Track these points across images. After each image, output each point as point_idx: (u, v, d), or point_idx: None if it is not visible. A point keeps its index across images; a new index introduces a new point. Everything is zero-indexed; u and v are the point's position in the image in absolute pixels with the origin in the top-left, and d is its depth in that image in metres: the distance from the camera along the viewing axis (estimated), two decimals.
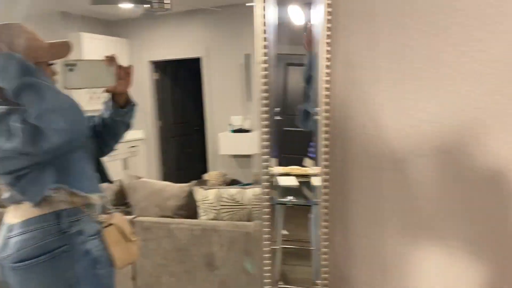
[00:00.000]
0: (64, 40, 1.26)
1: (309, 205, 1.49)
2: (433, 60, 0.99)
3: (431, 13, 0.98)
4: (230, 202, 2.43)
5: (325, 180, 1.02)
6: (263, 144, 1.01)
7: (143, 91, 5.40)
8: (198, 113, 6.05)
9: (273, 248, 1.15)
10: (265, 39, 0.95)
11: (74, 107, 1.15)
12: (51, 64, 1.27)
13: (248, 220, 2.42)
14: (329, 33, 0.96)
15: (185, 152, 6.10)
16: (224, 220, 2.39)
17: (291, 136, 1.34)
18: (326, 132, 0.99)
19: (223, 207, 2.44)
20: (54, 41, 1.25)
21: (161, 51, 5.35)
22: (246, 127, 5.08)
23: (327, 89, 0.97)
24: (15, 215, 1.28)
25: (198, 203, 2.48)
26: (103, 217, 1.38)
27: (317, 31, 0.97)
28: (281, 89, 1.34)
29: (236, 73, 5.11)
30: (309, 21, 1.22)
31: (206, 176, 4.90)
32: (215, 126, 5.31)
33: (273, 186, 1.53)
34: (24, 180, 1.23)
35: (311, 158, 1.55)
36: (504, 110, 0.98)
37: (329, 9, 0.95)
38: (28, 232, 1.24)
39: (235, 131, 5.04)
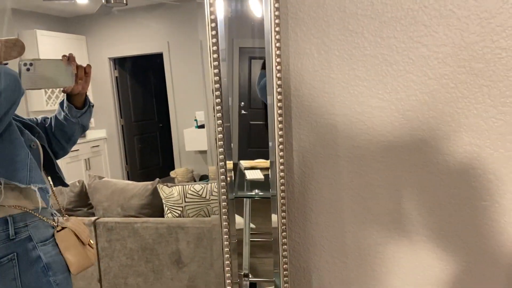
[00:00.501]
0: (15, 37, 1.21)
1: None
2: (383, 46, 0.99)
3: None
4: (195, 198, 2.42)
5: (281, 171, 1.01)
6: (218, 137, 0.99)
7: (103, 89, 5.27)
8: (162, 110, 5.96)
9: (235, 242, 1.14)
10: (212, 29, 0.93)
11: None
12: (5, 64, 1.21)
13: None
14: (277, 21, 0.94)
15: (150, 150, 6.01)
16: (190, 217, 2.37)
17: (258, 129, 1.33)
18: (280, 122, 0.97)
19: (188, 203, 2.41)
20: (5, 38, 1.19)
21: (121, 48, 5.23)
22: None
23: (278, 78, 0.96)
24: None
25: (163, 201, 2.45)
26: (56, 221, 1.32)
27: (266, 19, 0.96)
28: (246, 83, 1.33)
29: (199, 68, 5.06)
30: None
31: (173, 174, 4.85)
32: (180, 122, 5.24)
33: (240, 180, 1.52)
34: None
35: None
36: (452, 93, 0.99)
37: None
38: None
39: (200, 126, 4.99)
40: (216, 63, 0.97)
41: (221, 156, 1.04)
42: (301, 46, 1.03)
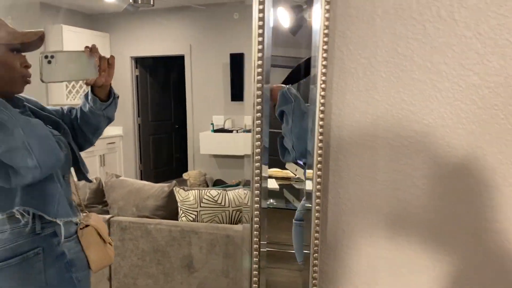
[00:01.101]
0: (38, 30, 1.20)
1: (290, 209, 1.47)
2: (432, 71, 0.98)
3: (431, 24, 0.97)
4: (211, 204, 2.41)
5: (317, 190, 0.99)
6: (256, 145, 0.98)
7: (123, 87, 5.30)
8: (179, 112, 5.98)
9: (265, 251, 1.12)
10: (260, 40, 0.93)
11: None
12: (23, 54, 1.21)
13: (229, 223, 2.39)
14: (326, 39, 0.93)
15: (164, 150, 6.03)
16: (204, 222, 2.36)
17: (273, 137, 1.32)
18: (320, 141, 0.96)
19: (203, 208, 2.41)
20: (27, 30, 1.19)
21: (143, 47, 5.26)
22: (227, 127, 5.05)
23: (322, 96, 0.95)
24: None
25: (178, 204, 2.44)
26: (79, 218, 1.33)
27: (315, 36, 0.95)
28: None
29: (220, 72, 5.07)
30: (301, 24, 1.20)
31: (185, 175, 4.85)
32: (196, 125, 5.26)
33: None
34: None
35: (293, 162, 1.54)
36: (502, 125, 0.98)
37: (327, 15, 0.92)
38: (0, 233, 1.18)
39: (216, 130, 5.00)
40: (260, 70, 0.96)
41: (257, 164, 1.03)
42: (346, 65, 1.02)
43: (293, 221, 1.44)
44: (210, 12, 4.84)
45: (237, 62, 4.87)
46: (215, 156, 5.16)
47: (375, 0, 0.98)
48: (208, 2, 4.72)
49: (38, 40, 1.21)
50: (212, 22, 4.95)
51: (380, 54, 0.99)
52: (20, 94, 1.27)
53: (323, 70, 0.94)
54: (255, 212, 1.08)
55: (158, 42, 5.19)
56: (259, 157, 1.01)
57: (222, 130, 4.98)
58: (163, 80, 5.98)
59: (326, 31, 0.93)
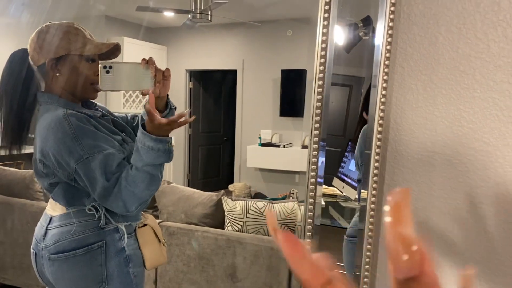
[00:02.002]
0: (111, 42, 1.30)
1: (335, 226, 1.47)
2: (494, 90, 0.97)
3: (496, 44, 0.97)
4: (257, 215, 2.43)
5: (372, 203, 1.00)
6: (312, 163, 1.00)
7: (178, 98, 5.49)
8: (228, 124, 6.10)
9: None
10: (323, 55, 0.96)
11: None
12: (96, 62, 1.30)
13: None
14: (388, 55, 0.95)
15: (212, 161, 6.14)
16: (249, 233, 2.38)
17: (328, 155, 1.34)
18: (377, 154, 0.98)
19: (249, 219, 2.43)
20: (101, 42, 1.29)
21: (198, 61, 5.44)
22: (274, 141, 5.09)
23: (381, 110, 0.96)
24: (54, 208, 1.31)
25: (225, 213, 2.48)
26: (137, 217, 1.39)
27: (377, 53, 0.97)
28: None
29: (270, 87, 5.15)
30: (356, 42, 1.22)
31: (231, 187, 4.92)
32: (244, 138, 5.34)
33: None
34: (59, 190, 1.27)
35: (340, 178, 1.54)
36: None
37: (390, 31, 0.94)
38: (67, 225, 1.27)
39: (263, 144, 5.05)
40: (320, 89, 0.99)
41: (312, 180, 1.05)
42: (406, 81, 1.03)
43: (345, 237, 1.44)
44: (263, 29, 4.95)
45: (287, 78, 4.93)
46: (261, 169, 5.21)
47: (438, 19, 0.99)
48: (263, 19, 4.83)
49: (113, 50, 1.31)
50: (265, 38, 5.06)
51: (441, 71, 1.00)
52: (92, 101, 1.37)
53: (384, 85, 0.96)
54: (308, 227, 1.10)
55: (212, 56, 5.35)
56: (314, 173, 1.03)
57: (269, 145, 5.03)
58: (215, 93, 6.13)
59: (388, 47, 0.95)
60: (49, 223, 1.30)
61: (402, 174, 1.05)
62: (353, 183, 1.49)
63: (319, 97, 0.98)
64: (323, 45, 0.95)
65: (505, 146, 0.97)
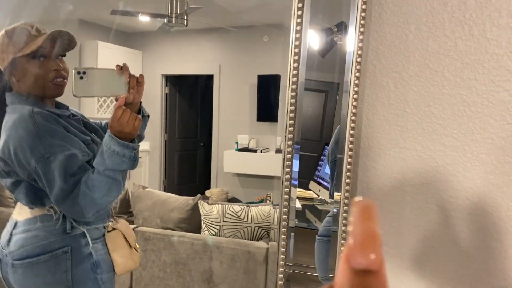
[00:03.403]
0: (46, 33, 1.23)
1: (311, 229, 1.48)
2: (462, 87, 1.00)
3: (463, 42, 0.99)
4: (233, 219, 2.42)
5: (345, 205, 1.01)
6: (286, 166, 1.00)
7: (153, 103, 5.43)
8: (205, 130, 6.07)
9: (290, 272, 1.13)
10: (296, 59, 0.96)
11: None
12: (63, 56, 1.27)
13: (251, 239, 2.39)
14: (360, 52, 0.97)
15: (188, 167, 6.09)
16: (226, 237, 2.37)
17: (303, 160, 1.35)
18: (351, 149, 0.98)
19: (226, 223, 2.42)
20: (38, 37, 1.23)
21: (174, 66, 5.41)
22: (251, 146, 5.09)
23: (354, 106, 0.97)
24: (20, 212, 1.27)
25: (202, 218, 2.46)
26: (108, 222, 1.36)
27: (349, 51, 0.98)
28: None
29: (246, 92, 5.16)
30: (331, 46, 1.24)
31: (208, 193, 4.88)
32: (221, 144, 5.32)
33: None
34: (21, 189, 1.23)
35: (316, 182, 1.55)
36: None
37: (362, 29, 0.96)
38: (32, 231, 1.23)
39: (240, 150, 5.04)
40: (293, 93, 0.99)
41: (287, 183, 1.05)
42: (378, 79, 1.05)
43: (317, 237, 1.44)
44: (240, 34, 4.96)
45: (264, 83, 4.95)
46: (238, 174, 5.19)
47: (408, 17, 1.01)
48: (239, 25, 4.84)
49: (67, 41, 1.25)
50: (242, 43, 5.07)
51: (411, 68, 1.02)
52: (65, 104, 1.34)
53: (356, 81, 0.97)
54: (283, 230, 1.10)
55: (188, 61, 5.33)
56: (288, 176, 1.03)
57: (246, 149, 5.03)
58: (191, 98, 6.10)
59: (360, 45, 0.97)
60: (14, 228, 1.25)
61: (374, 170, 1.07)
62: (328, 186, 1.50)
63: (293, 100, 0.99)
64: (296, 50, 0.96)
65: (473, 141, 1.00)
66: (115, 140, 1.14)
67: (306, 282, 1.33)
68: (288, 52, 1.00)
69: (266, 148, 5.01)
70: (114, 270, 1.34)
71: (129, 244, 1.41)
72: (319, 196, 1.56)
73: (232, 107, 5.20)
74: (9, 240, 1.24)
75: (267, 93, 4.93)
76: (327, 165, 1.47)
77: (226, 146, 5.19)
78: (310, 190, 1.57)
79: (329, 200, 1.51)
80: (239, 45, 5.08)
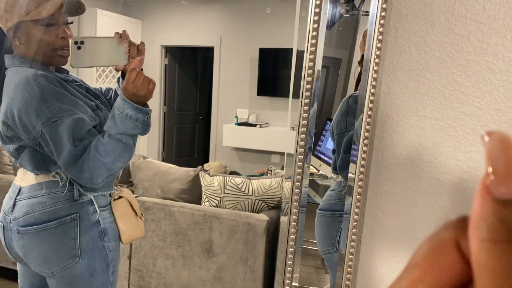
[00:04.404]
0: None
1: (310, 203, 1.47)
2: (488, 53, 0.96)
3: (492, 6, 0.95)
4: (234, 191, 2.41)
5: (359, 187, 0.98)
6: (300, 144, 0.97)
7: (152, 75, 5.32)
8: (204, 103, 6.02)
9: (300, 249, 1.12)
10: (314, 35, 0.92)
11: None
12: (69, 23, 1.23)
13: (251, 211, 2.39)
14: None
15: (187, 140, 6.07)
16: (227, 208, 2.37)
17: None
18: (366, 138, 0.96)
19: (227, 195, 2.41)
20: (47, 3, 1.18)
21: (174, 37, 5.31)
22: (251, 121, 5.06)
23: (375, 71, 0.94)
24: (24, 178, 1.24)
25: (203, 189, 2.45)
26: (111, 190, 1.34)
27: (369, 39, 0.94)
28: None
29: (247, 66, 5.09)
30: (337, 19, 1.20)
31: (206, 166, 4.87)
32: (220, 117, 5.28)
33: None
34: (26, 154, 1.20)
35: (316, 157, 1.54)
36: None
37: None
38: (37, 197, 1.20)
39: (240, 124, 5.01)
40: (310, 71, 0.95)
41: (300, 163, 1.02)
42: (400, 43, 1.01)
43: (318, 211, 1.43)
44: (242, 5, 4.86)
45: (266, 56, 4.88)
46: (237, 149, 5.18)
47: None
48: None
49: (76, 7, 1.22)
50: (244, 15, 4.97)
51: (435, 33, 0.98)
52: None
53: (378, 45, 0.94)
54: (295, 204, 1.08)
55: (189, 32, 5.23)
56: (302, 156, 1.00)
57: (246, 124, 5.00)
58: (191, 70, 6.02)
59: (384, 6, 0.92)
60: (17, 194, 1.23)
61: (391, 138, 1.04)
62: (330, 161, 1.49)
63: (309, 78, 0.95)
64: (315, 25, 0.91)
65: (496, 110, 0.97)
66: (129, 104, 1.11)
67: (304, 255, 1.32)
68: (296, 25, 0.96)
69: (266, 123, 4.98)
70: (120, 238, 1.33)
71: (135, 212, 1.39)
72: (319, 171, 1.55)
73: (232, 80, 5.15)
74: (13, 206, 1.22)
75: (269, 67, 4.87)
76: (330, 139, 1.45)
77: (226, 120, 5.16)
78: (310, 165, 1.56)
79: (329, 175, 1.50)
80: (241, 17, 4.98)
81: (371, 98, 0.95)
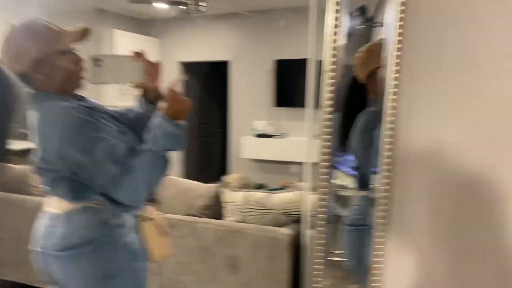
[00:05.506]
0: (77, 26, 1.25)
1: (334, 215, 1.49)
2: (502, 80, 0.99)
3: (502, 34, 0.98)
4: (257, 206, 2.43)
5: (385, 196, 1.01)
6: (323, 152, 1.01)
7: None
8: (222, 116, 6.09)
9: (326, 260, 1.15)
10: (334, 47, 0.96)
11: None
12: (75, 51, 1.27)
13: (274, 225, 2.41)
14: (399, 45, 0.96)
15: (207, 153, 6.13)
16: (250, 223, 2.39)
17: None
18: (390, 146, 0.99)
19: (250, 210, 2.43)
20: (69, 30, 1.24)
21: (191, 53, 5.41)
22: (269, 132, 5.09)
23: (393, 100, 0.98)
24: (58, 206, 1.29)
25: (224, 204, 2.49)
26: (141, 211, 1.39)
27: (388, 45, 0.98)
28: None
29: (263, 78, 5.14)
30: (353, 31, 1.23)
31: (227, 179, 4.92)
32: (238, 130, 5.33)
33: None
34: (62, 184, 1.25)
35: (341, 170, 1.56)
36: None
37: (400, 25, 0.96)
38: (71, 223, 1.26)
39: (257, 135, 5.05)
40: (333, 80, 0.99)
41: (325, 176, 1.06)
42: (415, 72, 1.04)
43: (344, 226, 1.45)
44: (256, 19, 4.92)
45: (281, 68, 4.93)
46: (255, 160, 5.22)
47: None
48: (256, 9, 4.80)
49: (83, 34, 1.26)
50: (258, 29, 5.03)
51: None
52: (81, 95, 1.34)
53: (396, 75, 0.97)
54: (320, 216, 1.11)
55: (205, 48, 5.32)
56: (327, 163, 1.03)
57: (263, 135, 5.03)
58: (208, 84, 6.10)
59: (400, 24, 0.95)
60: (52, 221, 1.28)
61: (411, 163, 1.07)
62: (349, 172, 1.51)
63: (332, 88, 0.99)
64: (335, 37, 0.96)
65: None
66: (170, 121, 1.19)
67: (328, 266, 1.34)
68: (312, 35, 1.00)
69: (284, 134, 5.01)
70: (150, 258, 1.39)
71: (162, 232, 1.44)
72: (339, 182, 1.56)
73: (248, 92, 5.20)
74: (48, 233, 1.28)
75: (285, 78, 4.91)
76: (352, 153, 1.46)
77: (243, 132, 5.20)
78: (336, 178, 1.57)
79: (350, 185, 1.51)
80: (255, 31, 5.05)
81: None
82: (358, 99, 1.35)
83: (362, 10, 1.23)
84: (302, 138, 4.61)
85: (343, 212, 1.55)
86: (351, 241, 1.46)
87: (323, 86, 1.00)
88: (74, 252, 1.25)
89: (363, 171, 1.36)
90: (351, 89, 1.36)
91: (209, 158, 6.19)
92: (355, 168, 1.47)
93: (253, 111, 5.20)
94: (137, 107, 1.41)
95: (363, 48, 1.32)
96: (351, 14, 1.22)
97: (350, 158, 1.49)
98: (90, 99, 1.38)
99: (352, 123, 1.33)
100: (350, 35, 1.22)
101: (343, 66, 1.36)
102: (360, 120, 1.33)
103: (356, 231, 1.38)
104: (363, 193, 1.37)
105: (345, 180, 1.55)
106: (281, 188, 3.24)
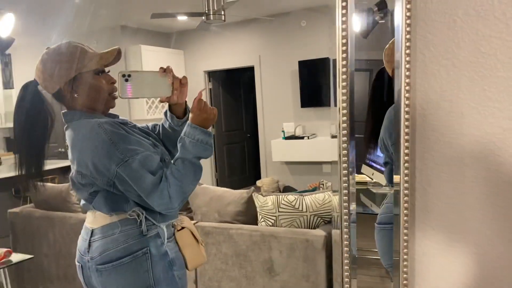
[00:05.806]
0: (113, 49, 1.32)
1: (368, 213, 1.49)
2: None
3: None
4: (288, 209, 2.45)
5: (405, 188, 1.02)
6: (342, 153, 1.03)
7: None
8: (250, 121, 6.15)
9: (355, 257, 1.16)
10: (344, 43, 0.97)
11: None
12: (107, 72, 1.35)
13: (307, 227, 2.43)
14: (408, 44, 0.97)
15: (238, 159, 6.20)
16: (283, 227, 2.41)
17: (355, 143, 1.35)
18: (407, 141, 1.00)
19: (281, 213, 2.45)
20: (104, 52, 1.32)
21: (215, 61, 5.50)
22: (298, 134, 5.10)
23: (407, 98, 0.98)
24: (95, 221, 1.36)
25: (257, 209, 2.52)
26: (175, 221, 1.44)
27: (397, 42, 0.99)
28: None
29: (288, 80, 5.16)
30: (373, 27, 1.24)
31: (259, 183, 4.96)
32: (267, 133, 5.37)
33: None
34: (100, 198, 1.31)
35: (368, 165, 1.55)
36: None
37: (408, 21, 0.96)
38: (110, 236, 1.32)
39: (287, 138, 5.07)
40: (344, 76, 1.01)
41: (345, 172, 1.08)
42: (428, 67, 1.05)
43: (376, 225, 1.45)
44: (277, 22, 4.95)
45: (305, 68, 4.93)
46: (287, 163, 5.23)
47: (455, 2, 1.00)
48: (276, 13, 4.83)
49: (116, 57, 1.33)
50: (280, 31, 5.06)
51: (462, 54, 1.01)
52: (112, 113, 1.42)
53: (407, 73, 0.98)
54: (344, 217, 1.12)
55: (228, 55, 5.39)
56: (346, 159, 1.05)
57: (293, 137, 5.05)
58: (235, 91, 6.18)
59: (408, 37, 0.97)
60: (91, 236, 1.34)
61: (432, 158, 1.07)
62: (382, 168, 1.50)
63: (344, 83, 1.00)
64: (344, 33, 0.97)
65: None
66: (199, 129, 1.26)
67: (366, 265, 1.35)
68: (335, 34, 1.01)
69: (314, 134, 5.01)
70: (186, 266, 1.43)
71: (197, 240, 1.49)
72: (372, 179, 1.56)
73: (275, 96, 5.24)
74: (88, 247, 1.34)
75: (310, 78, 4.91)
76: (379, 149, 1.46)
77: (273, 135, 5.24)
78: (362, 173, 1.57)
79: (384, 183, 1.51)
80: (277, 33, 5.08)
81: (407, 124, 0.99)
82: (387, 94, 1.35)
83: (382, 5, 1.23)
84: (329, 137, 4.60)
85: (377, 210, 1.55)
86: (384, 239, 1.46)
87: (338, 84, 1.02)
88: (114, 264, 1.31)
89: (392, 167, 1.36)
90: (380, 83, 1.36)
91: (241, 163, 6.25)
92: (385, 164, 1.47)
93: (281, 113, 5.22)
94: (164, 121, 1.46)
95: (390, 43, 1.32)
96: (370, 10, 1.23)
97: (381, 154, 1.48)
98: (121, 117, 1.45)
99: (382, 119, 1.32)
100: (372, 30, 1.23)
101: (372, 61, 1.37)
102: (388, 113, 1.33)
103: (387, 229, 1.38)
104: (393, 190, 1.36)
105: (377, 177, 1.54)
106: (313, 189, 3.24)
